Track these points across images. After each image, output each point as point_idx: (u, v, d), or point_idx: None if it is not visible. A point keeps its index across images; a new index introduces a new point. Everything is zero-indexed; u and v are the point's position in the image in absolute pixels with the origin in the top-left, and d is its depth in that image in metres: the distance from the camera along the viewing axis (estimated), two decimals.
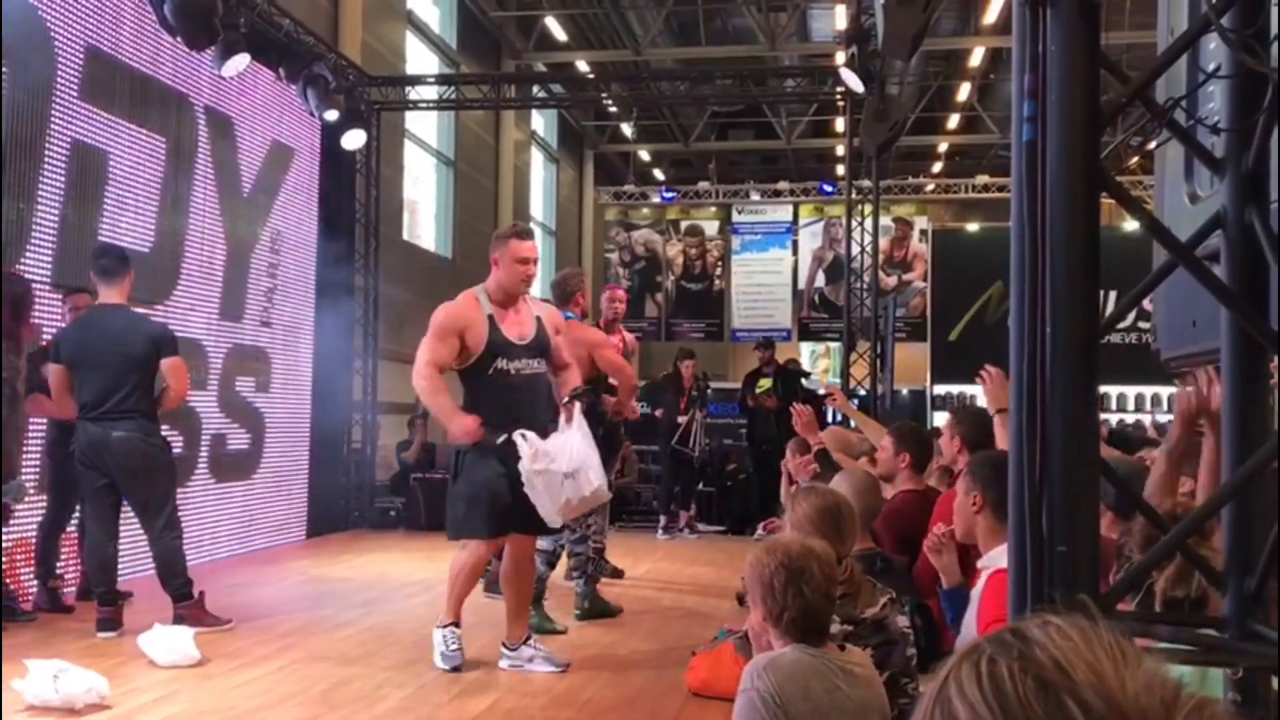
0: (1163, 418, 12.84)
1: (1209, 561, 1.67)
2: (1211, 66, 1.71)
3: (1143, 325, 11.72)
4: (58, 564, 6.19)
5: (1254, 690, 1.55)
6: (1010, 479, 1.51)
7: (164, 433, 5.96)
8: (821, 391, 12.10)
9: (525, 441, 4.75)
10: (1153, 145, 2.02)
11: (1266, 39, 1.52)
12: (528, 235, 5.14)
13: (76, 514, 6.23)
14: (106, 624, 5.46)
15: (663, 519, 10.44)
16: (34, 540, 6.15)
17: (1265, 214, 1.54)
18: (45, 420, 6.13)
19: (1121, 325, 11.81)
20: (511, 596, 5.16)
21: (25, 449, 6.04)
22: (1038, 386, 1.38)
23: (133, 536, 6.10)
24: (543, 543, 6.20)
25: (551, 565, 6.34)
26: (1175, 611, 1.82)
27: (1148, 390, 13.84)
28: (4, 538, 5.62)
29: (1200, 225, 1.69)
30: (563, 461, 4.77)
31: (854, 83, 10.11)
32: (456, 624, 5.07)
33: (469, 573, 5.10)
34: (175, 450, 6.71)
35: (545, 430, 4.94)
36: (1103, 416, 11.88)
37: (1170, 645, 1.55)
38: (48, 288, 6.46)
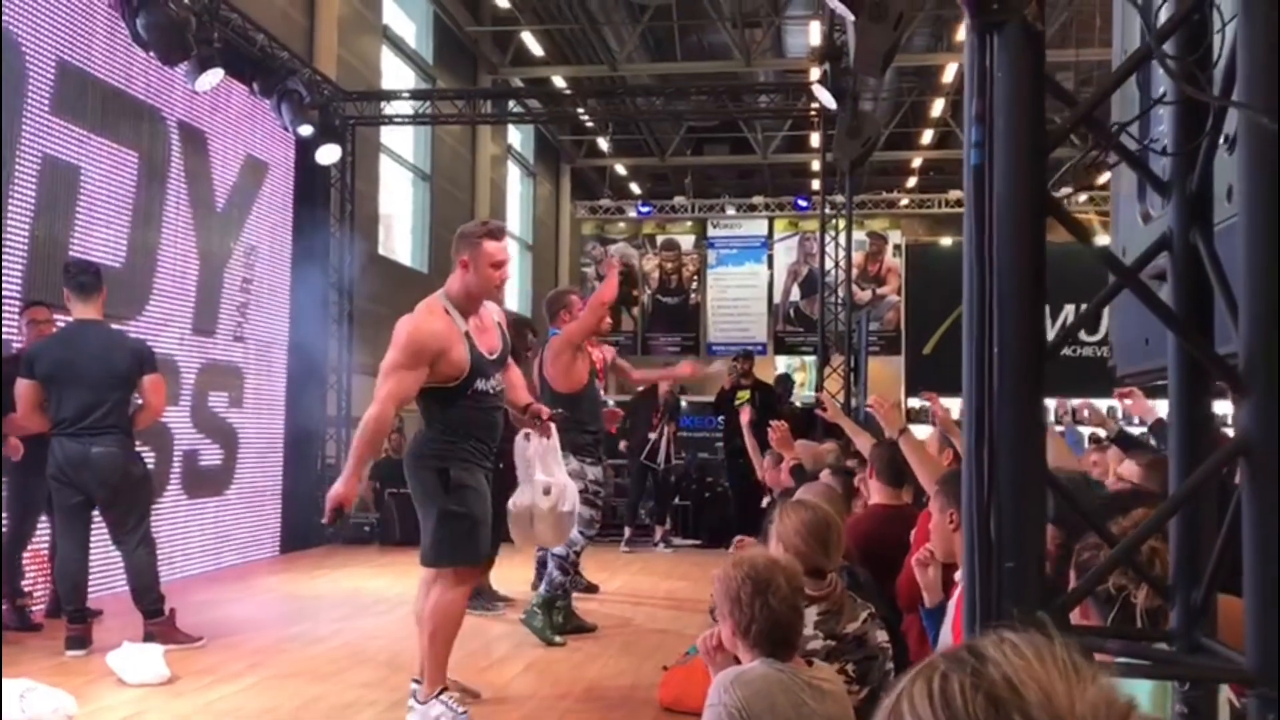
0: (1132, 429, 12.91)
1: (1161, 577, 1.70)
2: (1160, 91, 1.75)
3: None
4: (23, 581, 6.13)
5: (1201, 704, 1.58)
6: (963, 496, 1.54)
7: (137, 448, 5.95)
8: (800, 403, 12.14)
9: (544, 484, 4.59)
10: (1107, 171, 2.06)
11: (1209, 65, 1.56)
12: (500, 235, 4.55)
13: (45, 531, 6.19)
14: (75, 642, 5.42)
15: (627, 531, 10.33)
16: None
17: (1209, 236, 1.57)
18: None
19: (1093, 339, 11.90)
20: (425, 638, 4.46)
21: None
22: (985, 404, 1.42)
23: (104, 554, 6.06)
24: (558, 549, 6.17)
25: (566, 572, 6.26)
26: (1131, 625, 1.85)
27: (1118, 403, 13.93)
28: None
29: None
30: (569, 499, 4.64)
31: (826, 99, 10.20)
32: (446, 688, 4.42)
33: (455, 620, 4.45)
34: (147, 465, 6.69)
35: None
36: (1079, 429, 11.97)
37: (1122, 659, 1.57)
38: (19, 304, 6.42)
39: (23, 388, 5.54)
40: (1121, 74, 1.55)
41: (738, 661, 2.76)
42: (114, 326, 5.82)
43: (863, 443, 5.89)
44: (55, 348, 5.63)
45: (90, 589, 5.72)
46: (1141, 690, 2.05)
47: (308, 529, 10.36)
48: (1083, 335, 12.03)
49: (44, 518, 6.13)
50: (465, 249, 4.45)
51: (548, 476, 4.62)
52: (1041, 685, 0.69)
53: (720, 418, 11.66)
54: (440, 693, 4.35)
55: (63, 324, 5.96)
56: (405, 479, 4.61)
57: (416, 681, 4.51)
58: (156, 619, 5.58)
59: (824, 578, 3.35)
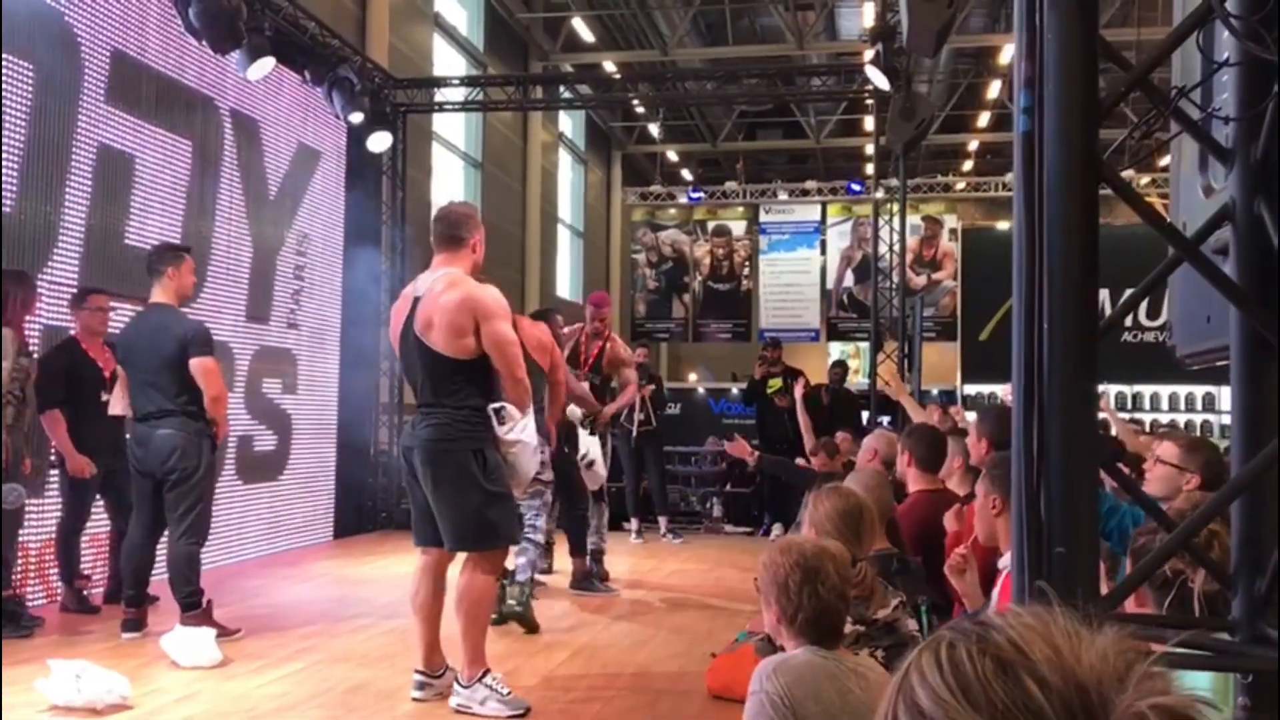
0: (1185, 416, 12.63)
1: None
2: (1225, 55, 1.66)
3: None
4: (81, 564, 6.21)
5: (1265, 695, 1.50)
6: (1012, 480, 1.47)
7: None
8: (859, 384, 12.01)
9: (505, 410, 4.39)
10: (1166, 138, 1.97)
11: (1276, 23, 1.47)
12: None
13: (102, 516, 6.27)
14: (131, 625, 5.48)
15: (633, 522, 9.88)
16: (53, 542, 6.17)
17: (1275, 206, 1.49)
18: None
19: (1154, 324, 11.65)
20: (463, 621, 4.40)
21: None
22: (1035, 385, 1.35)
23: (161, 542, 6.10)
24: (529, 553, 6.20)
25: (537, 567, 6.34)
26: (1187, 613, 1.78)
27: (1182, 390, 13.64)
28: (19, 539, 5.62)
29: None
30: (532, 433, 4.54)
31: (880, 80, 10.04)
32: (489, 670, 4.43)
33: (491, 602, 4.57)
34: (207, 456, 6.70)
35: None
36: (1139, 416, 11.74)
37: (1178, 649, 1.50)
38: (73, 291, 6.49)
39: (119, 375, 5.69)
40: (1181, 33, 1.47)
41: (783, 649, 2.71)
42: (175, 310, 5.62)
43: (919, 419, 5.85)
44: (124, 333, 5.71)
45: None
46: (1200, 682, 1.97)
47: (361, 514, 10.46)
48: (1144, 320, 11.78)
49: (100, 501, 6.21)
50: (477, 232, 4.58)
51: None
52: (1047, 643, 0.72)
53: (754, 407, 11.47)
54: (484, 675, 4.35)
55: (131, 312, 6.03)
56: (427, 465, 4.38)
57: (419, 672, 4.52)
58: (193, 612, 5.39)
59: (853, 565, 3.29)
